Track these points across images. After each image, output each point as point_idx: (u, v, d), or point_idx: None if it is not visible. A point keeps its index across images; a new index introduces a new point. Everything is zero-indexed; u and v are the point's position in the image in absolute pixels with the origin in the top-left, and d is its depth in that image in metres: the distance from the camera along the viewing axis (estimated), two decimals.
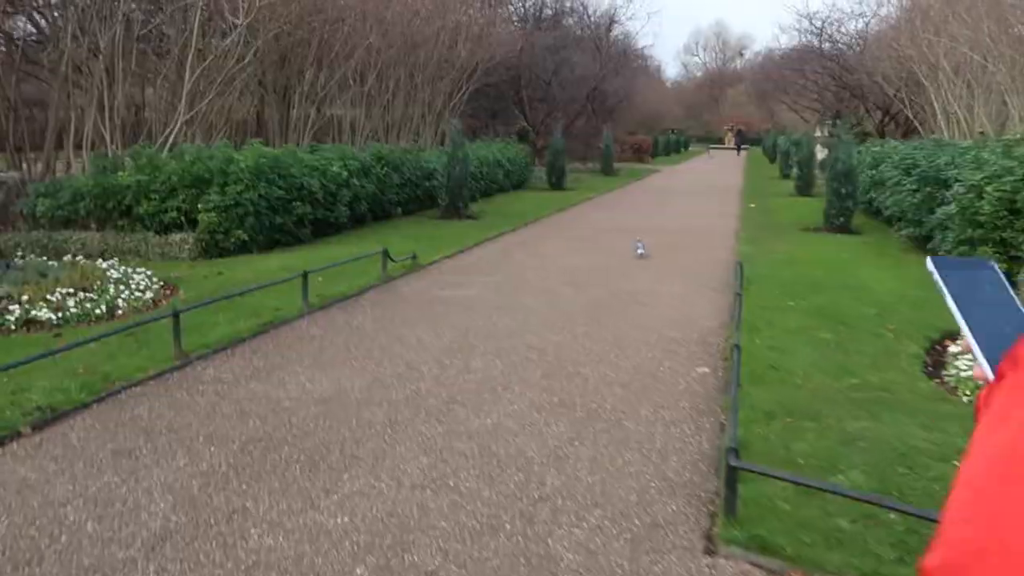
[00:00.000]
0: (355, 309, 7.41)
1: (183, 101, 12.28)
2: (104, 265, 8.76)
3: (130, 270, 8.65)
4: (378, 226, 13.64)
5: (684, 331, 6.48)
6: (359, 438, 4.11)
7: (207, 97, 12.79)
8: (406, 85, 21.41)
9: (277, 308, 7.28)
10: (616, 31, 40.23)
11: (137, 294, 7.73)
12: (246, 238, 10.46)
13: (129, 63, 11.91)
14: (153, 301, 7.79)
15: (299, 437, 4.14)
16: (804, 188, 20.84)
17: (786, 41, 33.78)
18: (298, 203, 11.34)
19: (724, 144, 73.50)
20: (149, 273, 8.68)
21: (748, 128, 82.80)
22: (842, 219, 12.92)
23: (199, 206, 10.41)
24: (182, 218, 10.54)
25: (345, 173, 12.66)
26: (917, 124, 21.87)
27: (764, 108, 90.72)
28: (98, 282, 7.87)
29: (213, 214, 10.29)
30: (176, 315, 5.62)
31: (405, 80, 21.21)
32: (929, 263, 0.82)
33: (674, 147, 57.70)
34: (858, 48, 28.12)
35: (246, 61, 12.79)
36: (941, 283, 0.80)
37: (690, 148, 67.49)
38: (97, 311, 7.11)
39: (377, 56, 19.01)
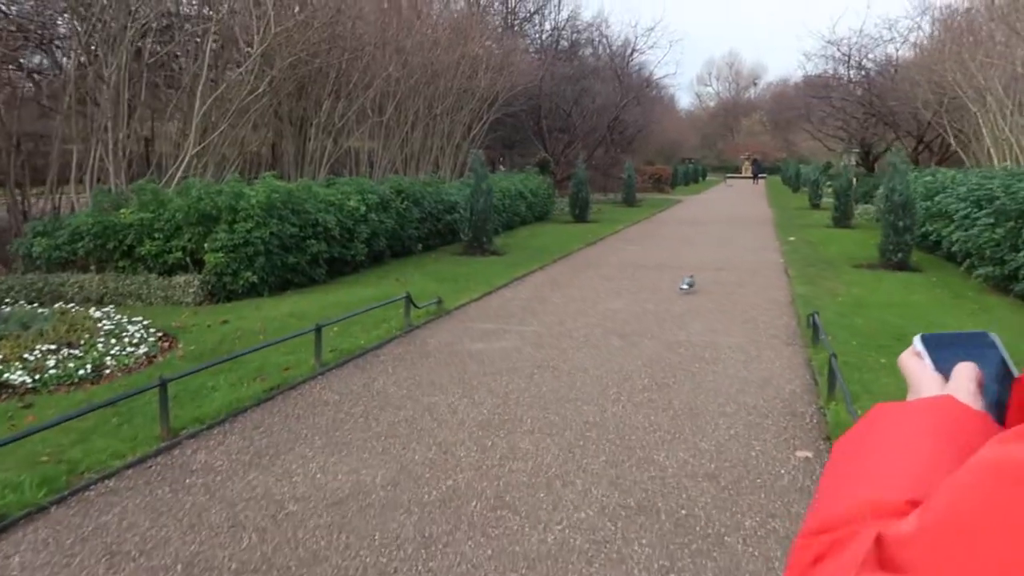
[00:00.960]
0: (375, 367, 6.48)
1: (193, 133, 11.51)
2: (97, 314, 7.89)
3: (125, 319, 7.78)
4: (398, 263, 12.76)
5: (764, 397, 5.49)
6: (384, 569, 3.14)
7: (219, 128, 12.02)
8: (425, 116, 20.70)
9: (286, 367, 6.36)
10: (636, 60, 39.57)
11: (129, 349, 6.84)
12: (256, 280, 9.59)
13: (138, 93, 11.16)
14: (148, 357, 6.89)
15: (306, 563, 3.19)
16: (842, 220, 19.84)
17: (811, 68, 32.81)
18: (313, 241, 10.48)
19: (741, 173, 72.95)
20: (146, 323, 7.81)
21: (764, 157, 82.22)
22: (900, 255, 11.91)
23: (206, 245, 9.57)
24: (187, 259, 9.69)
25: (363, 208, 11.83)
26: (960, 151, 20.87)
27: (780, 137, 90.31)
28: (87, 335, 7.00)
29: (220, 254, 9.44)
30: (163, 385, 4.70)
31: (424, 111, 20.50)
32: (917, 342, 0.73)
33: (692, 176, 56.85)
34: (889, 74, 27.23)
35: (260, 91, 12.02)
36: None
37: (707, 177, 66.79)
38: (81, 371, 6.21)
39: (396, 86, 18.30)
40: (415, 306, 8.00)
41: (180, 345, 7.34)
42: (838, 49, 29.23)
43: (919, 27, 26.78)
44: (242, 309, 8.88)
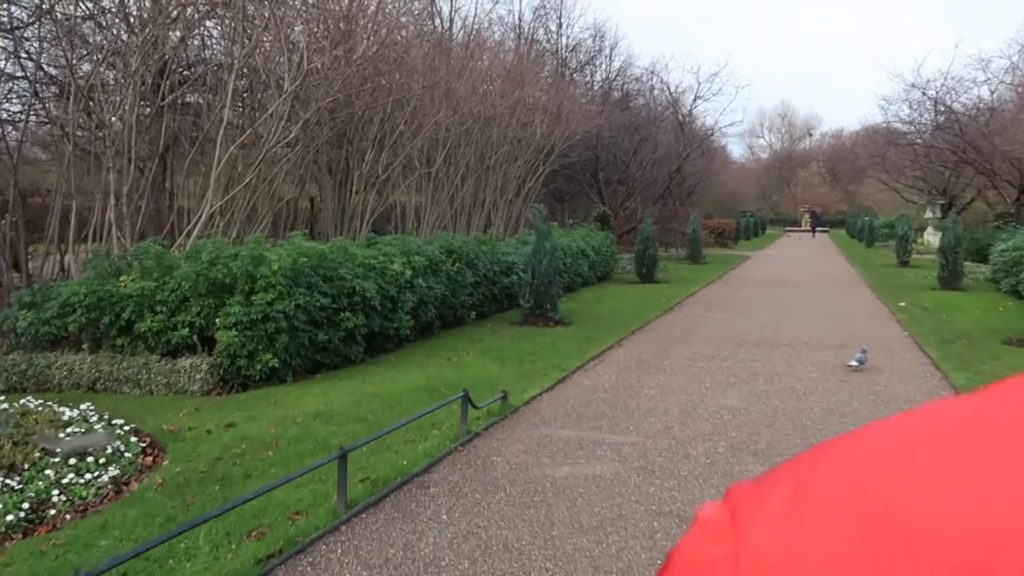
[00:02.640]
0: (422, 509, 4.53)
1: (213, 184, 9.91)
2: (67, 414, 6.13)
3: (100, 427, 5.97)
4: (448, 336, 10.89)
5: None
6: None
7: (244, 180, 10.42)
8: (476, 167, 19.07)
9: (297, 510, 4.46)
10: (699, 107, 37.84)
11: (88, 476, 5.01)
12: (277, 363, 7.79)
13: (145, 140, 9.62)
14: (115, 484, 5.05)
15: None
16: (950, 281, 17.48)
17: (891, 114, 30.60)
18: (348, 314, 8.68)
19: (800, 226, 70.90)
20: (129, 427, 6.01)
21: (824, 209, 79.73)
22: None
23: (217, 321, 7.82)
24: (195, 337, 7.94)
25: (409, 272, 10.03)
26: None
27: (839, 188, 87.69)
28: (38, 454, 5.20)
29: (234, 332, 7.68)
30: None
31: (475, 162, 18.89)
32: None
33: (753, 230, 54.51)
34: (985, 118, 24.94)
35: (291, 135, 10.41)
36: None
37: (766, 231, 64.59)
38: (10, 516, 4.39)
39: (446, 134, 16.73)
40: (474, 406, 6.06)
41: (166, 462, 5.50)
42: (923, 93, 27.02)
43: (1016, 67, 24.50)
44: (256, 404, 7.05)
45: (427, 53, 16.15)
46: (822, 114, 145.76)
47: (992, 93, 26.32)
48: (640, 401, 7.09)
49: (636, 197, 34.02)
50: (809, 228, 62.70)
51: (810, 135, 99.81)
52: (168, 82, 10.13)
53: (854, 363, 8.53)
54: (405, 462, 5.23)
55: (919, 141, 28.19)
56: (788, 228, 70.56)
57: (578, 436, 5.95)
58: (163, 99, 9.68)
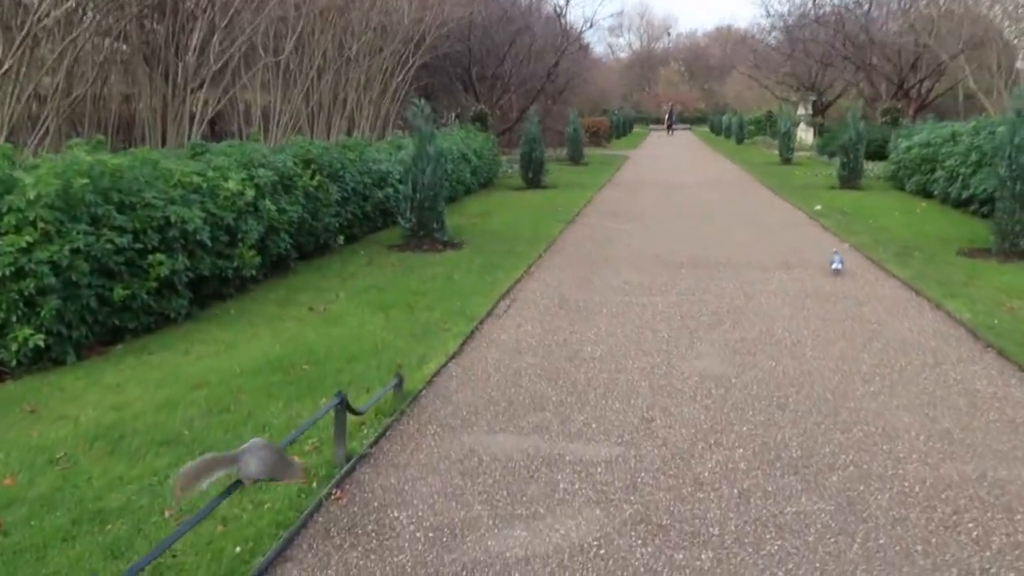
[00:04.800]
0: None
1: None
2: None
3: None
4: (311, 272, 8.48)
5: None
6: None
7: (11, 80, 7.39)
8: (335, 59, 16.11)
9: None
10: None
11: None
12: (44, 340, 5.23)
13: None
14: None
15: None
16: (850, 179, 16.43)
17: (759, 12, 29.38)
18: (161, 255, 6.13)
19: (663, 124, 71.49)
20: None
21: (684, 107, 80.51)
22: None
23: None
24: None
25: (251, 191, 7.47)
26: (981, 95, 17.72)
27: (697, 87, 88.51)
28: None
29: None
30: None
31: (333, 52, 15.92)
32: None
33: (623, 129, 53.38)
34: (866, 9, 23.93)
35: (70, 2, 7.41)
36: None
37: (633, 129, 64.03)
38: None
39: (296, 14, 13.71)
40: (353, 412, 3.85)
41: None
42: None
43: None
44: (1, 413, 4.54)
45: None
46: (678, 14, 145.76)
47: None
48: (588, 369, 5.09)
49: (511, 95, 31.65)
50: (665, 126, 63.19)
51: (668, 35, 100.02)
52: None
53: (838, 266, 7.96)
54: (234, 549, 3.01)
55: (799, 36, 27.03)
56: (652, 126, 71.19)
57: (520, 448, 3.88)
58: None
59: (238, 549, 2.97)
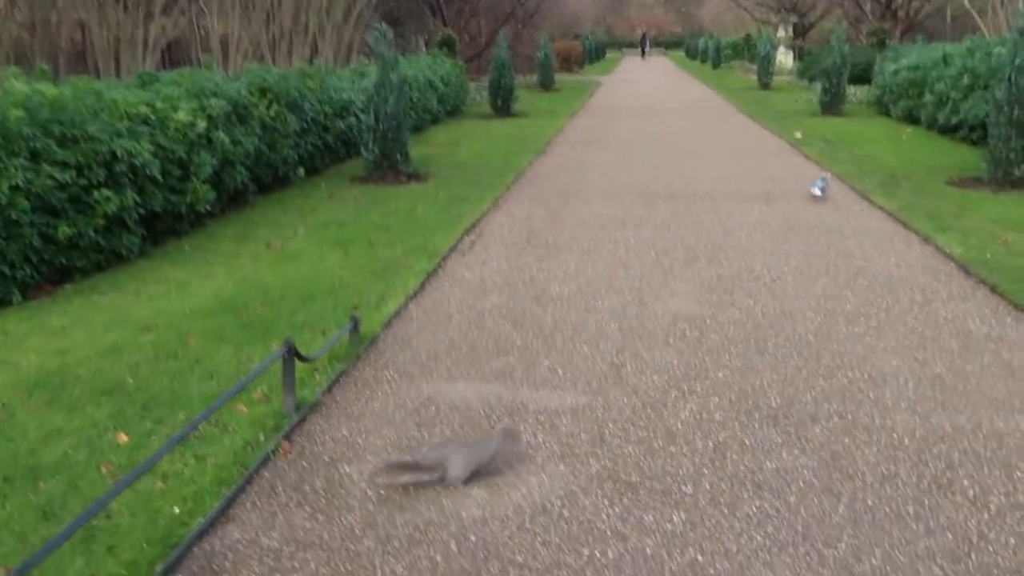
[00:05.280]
0: None
1: None
2: None
3: None
4: (269, 206, 8.10)
5: None
6: None
7: None
8: None
9: None
10: None
11: None
12: None
13: None
14: None
15: None
16: (833, 105, 16.10)
17: None
18: (108, 191, 5.74)
19: (637, 49, 70.33)
20: None
21: (659, 31, 79.00)
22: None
23: None
24: None
25: (203, 122, 7.04)
26: (975, 14, 17.29)
27: (672, 10, 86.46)
28: None
29: None
30: None
31: None
32: None
33: (595, 54, 52.18)
34: None
35: None
36: None
37: (606, 54, 62.75)
38: None
39: None
40: (301, 359, 3.58)
41: None
42: None
43: None
44: None
45: None
46: None
47: None
48: (556, 310, 4.85)
49: (480, 19, 30.66)
50: (639, 51, 62.27)
51: None
52: None
53: (817, 192, 7.90)
54: (172, 509, 2.77)
55: None
56: (626, 50, 70.20)
57: (481, 397, 3.65)
58: None
59: (177, 509, 2.74)
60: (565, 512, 2.72)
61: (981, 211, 7.20)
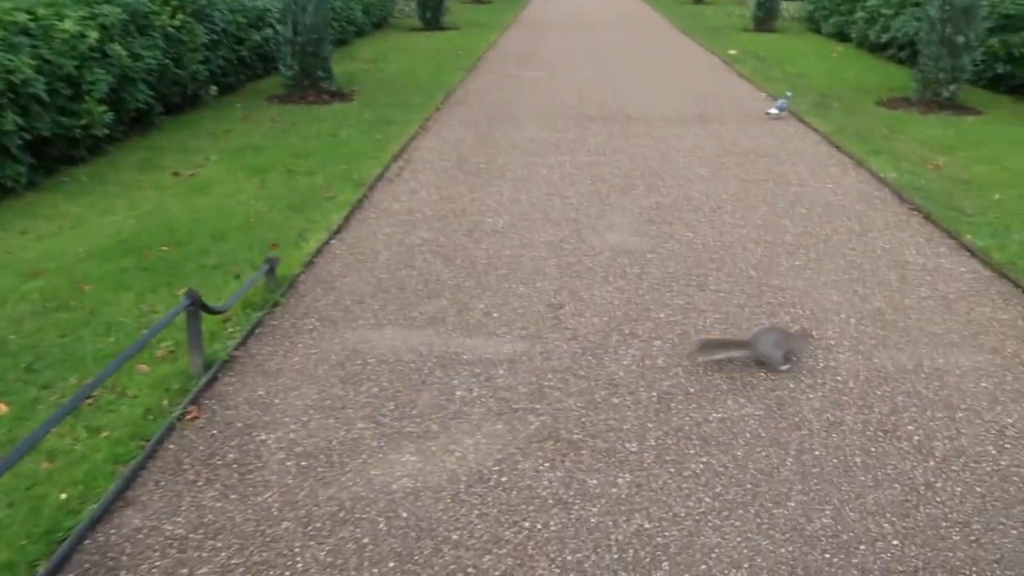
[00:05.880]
0: None
1: None
2: None
3: None
4: (178, 128, 7.49)
5: None
6: None
7: None
8: None
9: None
10: None
11: None
12: None
13: None
14: None
15: None
16: (766, 21, 15.86)
17: None
18: None
19: None
20: None
21: None
22: (952, 88, 8.14)
23: None
24: None
25: (95, 33, 6.35)
26: None
27: None
28: None
29: None
30: None
31: None
32: None
33: None
34: None
35: None
36: None
37: None
38: None
39: None
40: (208, 311, 3.24)
41: None
42: None
43: None
44: None
45: None
46: None
47: None
48: (489, 244, 4.57)
49: None
50: None
51: None
52: None
53: (774, 111, 7.86)
54: (59, 495, 2.46)
55: None
56: None
57: (411, 346, 3.39)
58: None
59: (64, 495, 2.43)
60: (503, 479, 2.52)
61: (911, 133, 7.14)
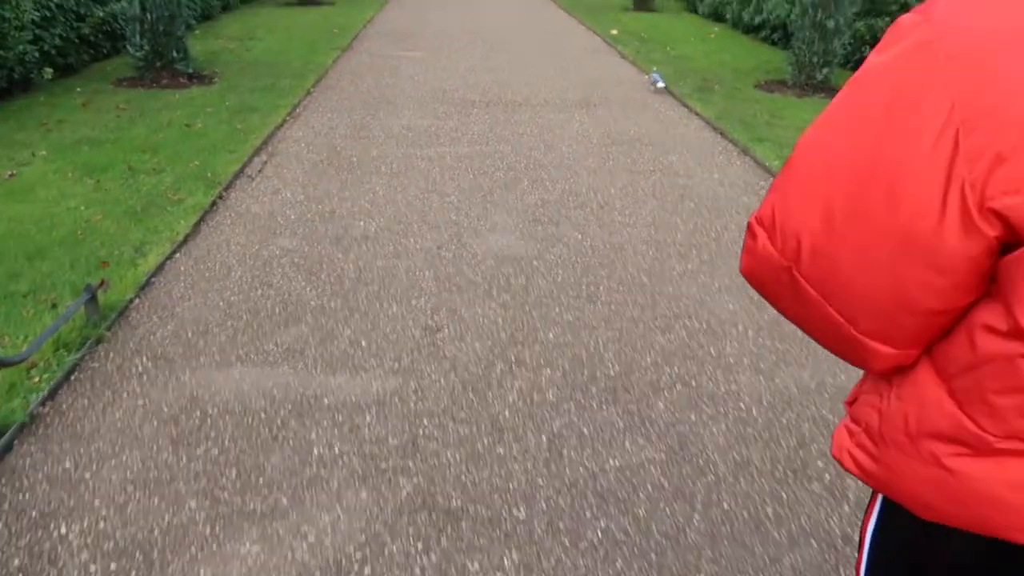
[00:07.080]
0: None
1: None
2: None
3: None
4: (4, 116, 6.57)
5: None
6: None
7: None
8: None
9: None
10: None
11: None
12: None
13: None
14: None
15: None
16: (644, 1, 15.78)
17: None
18: None
19: None
20: None
21: None
22: (825, 71, 8.16)
23: None
24: None
25: None
26: None
27: None
28: None
29: None
30: None
31: None
32: None
33: None
34: None
35: None
36: None
37: None
38: None
39: None
40: (1, 364, 2.64)
41: None
42: None
43: None
44: None
45: None
46: None
47: None
48: (359, 254, 4.09)
49: None
50: None
51: None
52: None
53: (662, 84, 8.14)
54: None
55: None
56: None
57: (263, 389, 2.89)
58: None
59: None
60: (367, 570, 2.09)
61: (790, 118, 7.05)
